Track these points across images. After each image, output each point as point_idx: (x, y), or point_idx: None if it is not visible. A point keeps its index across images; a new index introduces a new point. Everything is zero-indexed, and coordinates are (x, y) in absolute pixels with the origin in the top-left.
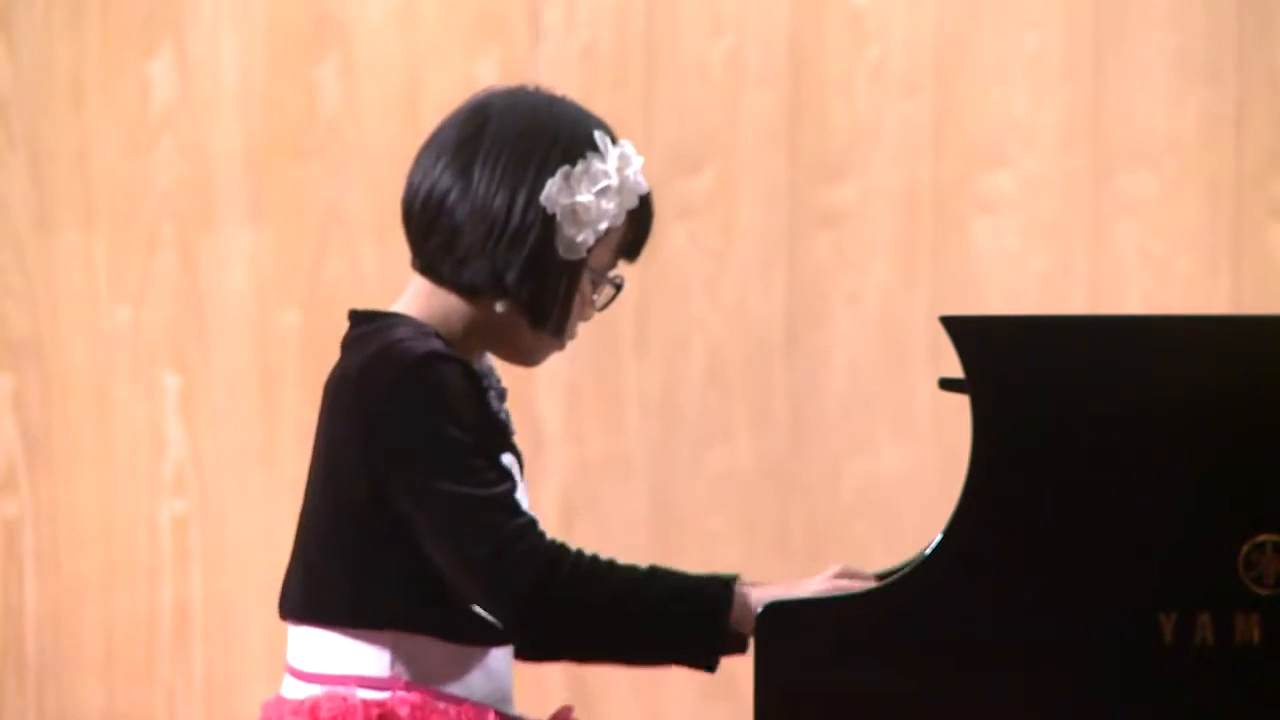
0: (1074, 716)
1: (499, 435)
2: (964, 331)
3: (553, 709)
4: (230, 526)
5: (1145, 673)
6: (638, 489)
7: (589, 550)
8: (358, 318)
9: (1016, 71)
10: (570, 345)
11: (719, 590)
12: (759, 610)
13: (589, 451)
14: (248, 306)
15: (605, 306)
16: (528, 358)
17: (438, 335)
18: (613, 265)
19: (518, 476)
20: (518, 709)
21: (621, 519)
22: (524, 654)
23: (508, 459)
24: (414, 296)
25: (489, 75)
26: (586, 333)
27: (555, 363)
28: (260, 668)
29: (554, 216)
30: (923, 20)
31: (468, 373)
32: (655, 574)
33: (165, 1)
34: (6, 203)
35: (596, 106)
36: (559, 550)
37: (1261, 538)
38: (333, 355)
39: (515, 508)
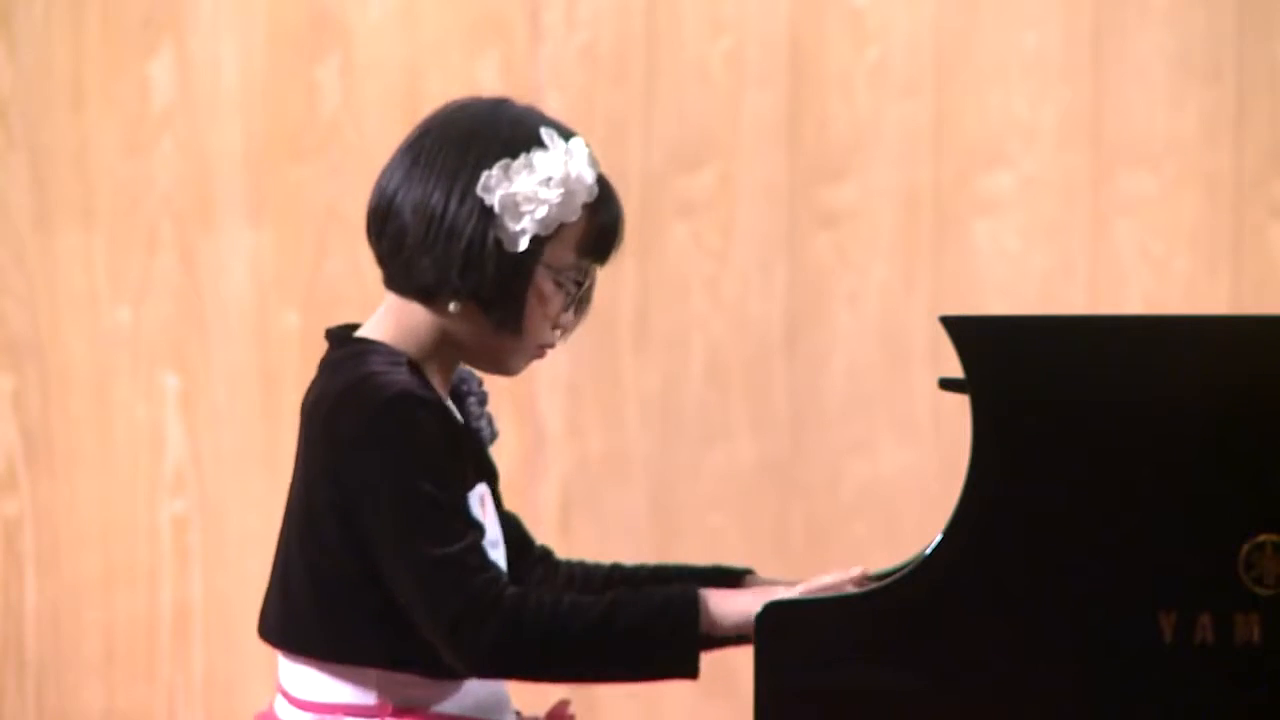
0: (1074, 716)
1: (472, 469)
2: (964, 331)
3: (547, 705)
4: (230, 526)
5: (1145, 673)
6: (638, 488)
7: (569, 564)
8: (334, 338)
9: (1016, 71)
10: (570, 345)
11: (683, 609)
12: (757, 610)
13: (589, 451)
14: (248, 306)
15: (581, 309)
16: (502, 364)
17: (410, 363)
18: (578, 266)
19: (489, 509)
20: (515, 704)
21: (621, 519)
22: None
23: (479, 493)
24: (384, 315)
25: (489, 75)
26: (586, 332)
27: (555, 362)
28: (260, 668)
29: (492, 208)
30: (923, 20)
31: (438, 411)
32: (617, 608)
33: (165, 1)
34: (6, 203)
35: (596, 106)
36: (521, 604)
37: (1261, 538)
38: None
39: (480, 563)
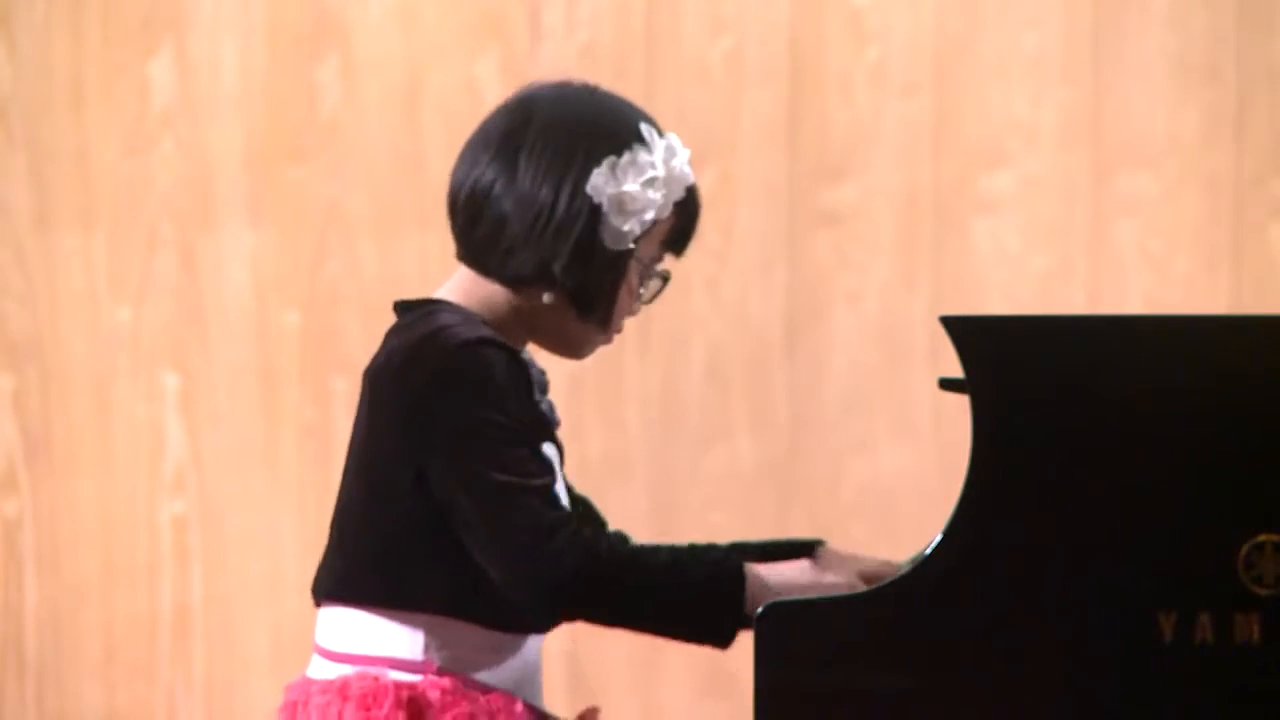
0: (1074, 716)
1: (542, 425)
2: (964, 331)
3: (552, 701)
4: (230, 526)
5: (1145, 673)
6: (638, 488)
7: (616, 533)
8: (402, 307)
9: (1016, 71)
10: None
11: (734, 573)
12: (760, 609)
13: (589, 450)
14: (248, 306)
15: (652, 300)
16: (574, 350)
17: (484, 323)
18: (659, 258)
19: (558, 469)
20: (544, 705)
21: (621, 518)
22: (545, 626)
23: (549, 450)
24: (458, 286)
25: (489, 75)
26: None
27: (555, 362)
28: (260, 668)
29: (600, 206)
30: (923, 20)
31: (514, 360)
32: (678, 564)
33: (165, 1)
34: (6, 203)
35: None
36: (594, 544)
37: (1261, 538)
38: (332, 355)
39: (554, 501)
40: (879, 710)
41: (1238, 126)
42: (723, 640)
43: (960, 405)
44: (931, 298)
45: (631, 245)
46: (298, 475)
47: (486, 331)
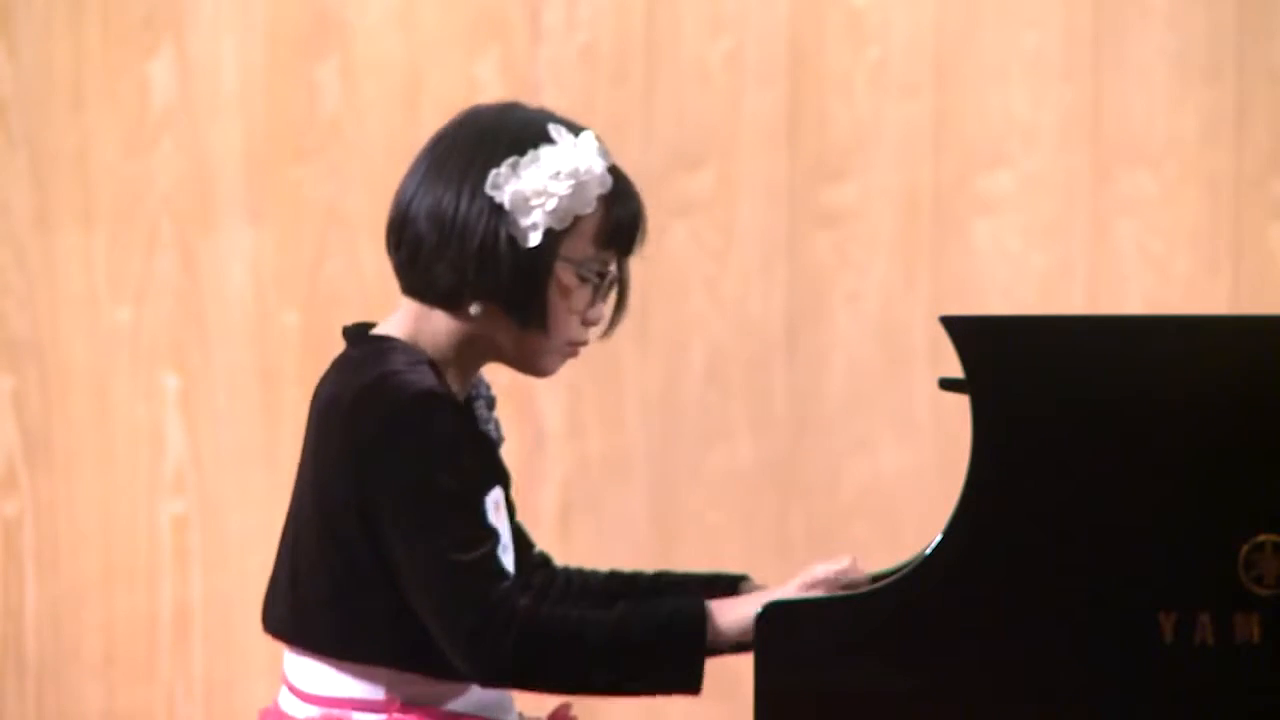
0: (1074, 716)
1: (488, 472)
2: (964, 331)
3: (552, 702)
4: (230, 526)
5: (1145, 673)
6: (638, 489)
7: (574, 568)
8: (351, 336)
9: (1016, 71)
10: None
11: (690, 624)
12: (758, 610)
13: (589, 451)
14: (248, 306)
15: (604, 298)
16: (531, 364)
17: (431, 364)
18: (598, 258)
19: (504, 514)
20: (518, 705)
21: (621, 519)
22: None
23: (494, 497)
24: (404, 317)
25: (489, 75)
26: None
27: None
28: (260, 668)
29: (501, 205)
30: (923, 20)
31: (458, 412)
32: (626, 622)
33: (165, 1)
34: (6, 203)
35: (596, 106)
36: (535, 618)
37: (1261, 538)
38: (332, 355)
39: (497, 570)
40: (879, 710)
41: (1238, 126)
42: (688, 691)
43: (960, 405)
44: (931, 298)
45: (542, 241)
46: None
47: (432, 380)
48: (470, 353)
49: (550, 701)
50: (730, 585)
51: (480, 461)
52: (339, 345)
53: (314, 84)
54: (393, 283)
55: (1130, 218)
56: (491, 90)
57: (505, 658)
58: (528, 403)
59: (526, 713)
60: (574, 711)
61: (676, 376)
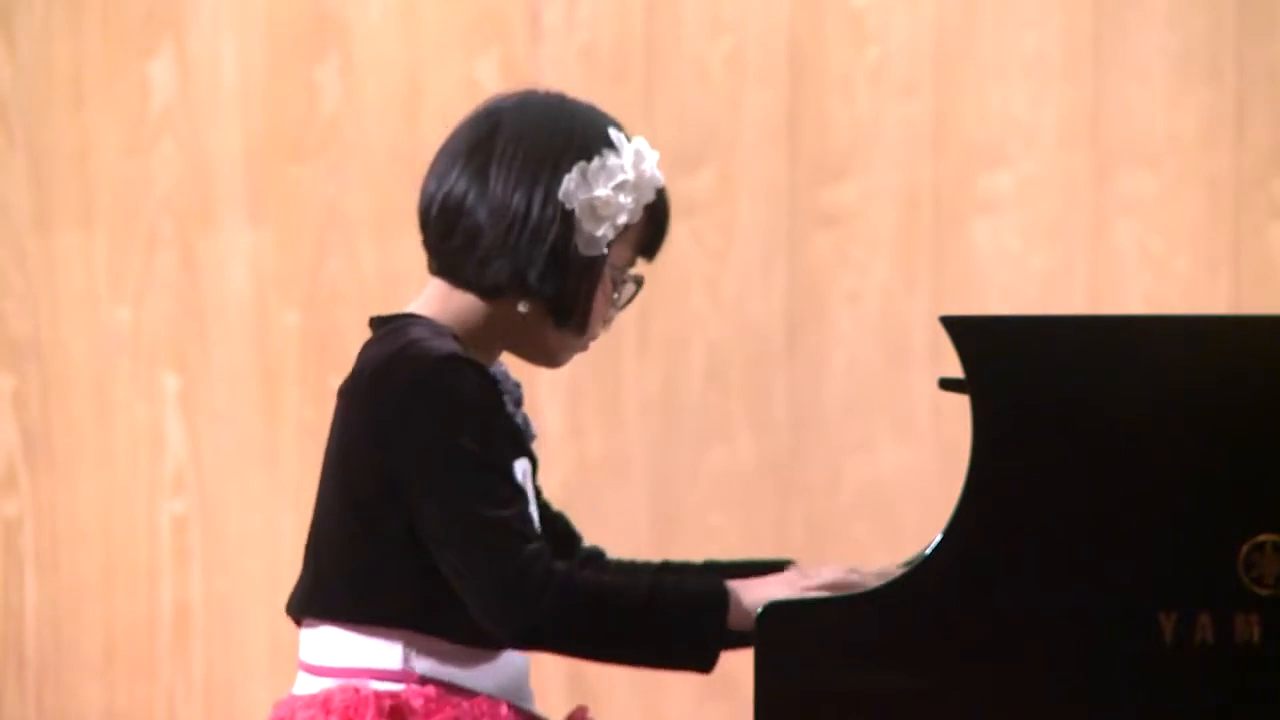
0: (1074, 716)
1: (513, 443)
2: (964, 331)
3: (552, 705)
4: (230, 526)
5: (1145, 673)
6: (638, 489)
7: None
8: (378, 322)
9: (1016, 71)
10: None
11: (716, 601)
12: (758, 610)
13: (589, 451)
14: (248, 306)
15: (625, 305)
16: (552, 358)
17: (455, 337)
18: (632, 262)
19: (530, 487)
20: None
21: (621, 519)
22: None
23: (521, 466)
24: (431, 298)
25: (489, 75)
26: None
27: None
28: (260, 668)
29: (573, 212)
30: (923, 20)
31: (484, 378)
32: (655, 591)
33: (165, 1)
34: (6, 203)
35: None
36: (567, 579)
37: (1261, 538)
38: (332, 355)
39: (527, 531)
40: (879, 711)
41: (1238, 126)
42: (703, 669)
43: (960, 405)
44: (931, 298)
45: (605, 250)
46: (298, 475)
47: (456, 347)
48: (492, 336)
49: (564, 704)
50: (777, 571)
51: (507, 427)
52: (339, 345)
53: (314, 84)
54: (393, 283)
55: (1130, 218)
56: (491, 91)
57: (538, 614)
58: (527, 403)
59: (550, 716)
60: (591, 715)
61: (676, 376)
